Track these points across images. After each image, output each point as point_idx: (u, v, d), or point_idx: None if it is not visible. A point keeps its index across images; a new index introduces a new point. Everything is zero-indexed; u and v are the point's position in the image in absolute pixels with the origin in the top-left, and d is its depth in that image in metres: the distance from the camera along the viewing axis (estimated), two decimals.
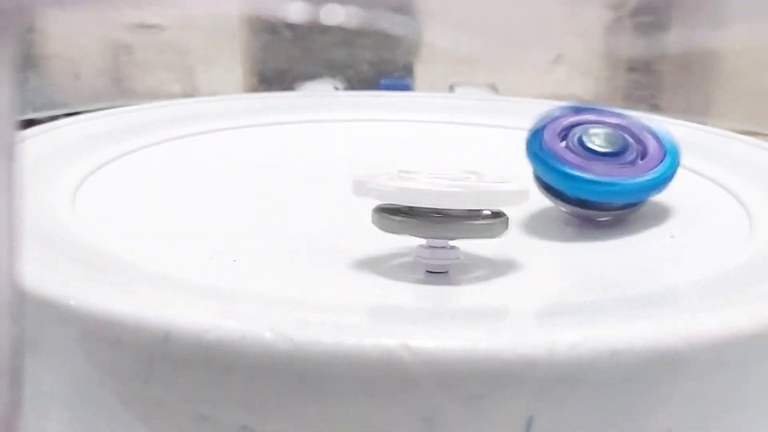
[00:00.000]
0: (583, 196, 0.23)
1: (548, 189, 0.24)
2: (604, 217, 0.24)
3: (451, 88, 0.44)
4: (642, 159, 0.24)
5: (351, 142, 0.33)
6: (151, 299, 0.17)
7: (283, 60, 0.45)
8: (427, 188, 0.20)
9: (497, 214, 0.21)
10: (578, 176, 0.23)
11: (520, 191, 0.21)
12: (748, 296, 0.19)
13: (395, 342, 0.15)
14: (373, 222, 0.21)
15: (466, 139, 0.34)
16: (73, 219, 0.23)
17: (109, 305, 0.16)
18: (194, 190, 0.27)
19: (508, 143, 0.33)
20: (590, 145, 0.23)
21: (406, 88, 0.44)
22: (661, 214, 0.26)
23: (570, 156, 0.23)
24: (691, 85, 0.46)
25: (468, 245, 0.21)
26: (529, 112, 0.36)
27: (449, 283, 0.21)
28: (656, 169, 0.23)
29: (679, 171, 0.29)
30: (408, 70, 0.45)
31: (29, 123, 0.32)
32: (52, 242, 0.20)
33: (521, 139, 0.34)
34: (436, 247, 0.21)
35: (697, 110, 0.45)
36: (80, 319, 0.16)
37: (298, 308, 0.18)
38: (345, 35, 0.43)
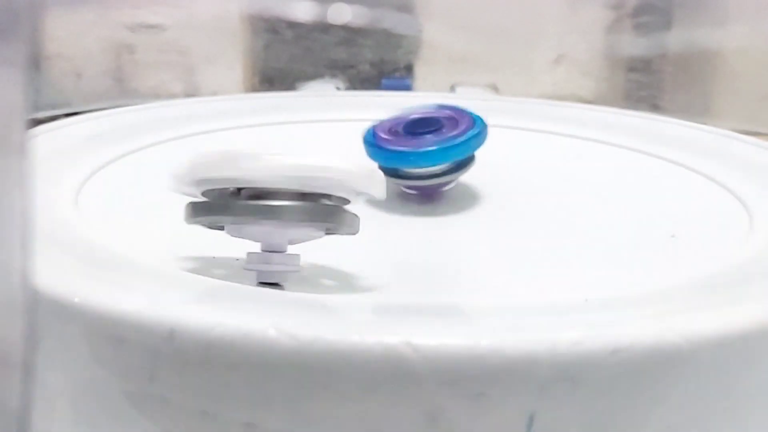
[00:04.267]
0: (409, 165, 0.27)
1: (389, 173, 0.27)
2: (441, 185, 0.28)
3: (452, 88, 0.44)
4: (456, 129, 0.27)
5: (352, 142, 0.33)
6: (155, 297, 0.17)
7: (284, 60, 0.45)
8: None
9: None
10: (391, 150, 0.27)
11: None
12: (749, 295, 0.19)
13: (398, 339, 0.15)
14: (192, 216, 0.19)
15: None
16: (76, 217, 0.23)
17: (113, 303, 0.16)
18: None
19: (509, 143, 0.33)
20: (410, 131, 0.28)
21: (407, 88, 0.44)
22: (661, 214, 0.27)
23: (392, 141, 0.27)
24: (691, 85, 0.46)
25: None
26: (529, 112, 0.36)
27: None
28: (462, 134, 0.27)
29: (680, 170, 0.29)
30: (409, 70, 0.45)
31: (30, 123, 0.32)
32: (56, 241, 0.20)
33: (521, 139, 0.34)
34: (271, 252, 0.19)
35: (697, 110, 0.45)
36: (85, 316, 0.17)
37: (301, 306, 0.18)
38: (346, 35, 0.43)
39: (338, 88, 0.44)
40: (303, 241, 0.20)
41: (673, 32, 0.44)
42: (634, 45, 0.45)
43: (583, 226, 0.26)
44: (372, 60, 0.44)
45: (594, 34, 0.45)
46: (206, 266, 0.21)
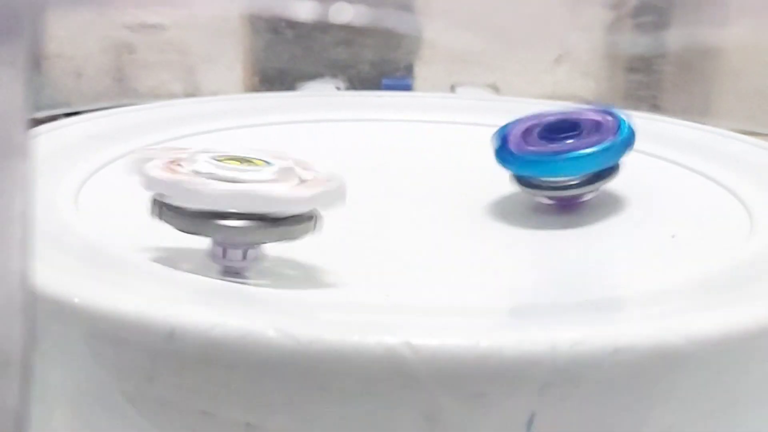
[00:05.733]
0: (543, 173, 0.25)
1: (520, 181, 0.25)
2: (581, 195, 0.25)
3: (453, 88, 0.44)
4: (595, 135, 0.25)
5: (352, 142, 0.33)
6: (155, 297, 0.17)
7: (284, 60, 0.45)
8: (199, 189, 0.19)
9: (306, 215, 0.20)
10: (525, 157, 0.24)
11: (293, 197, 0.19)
12: (749, 295, 0.19)
13: (397, 340, 0.15)
14: (152, 213, 0.20)
15: (467, 139, 0.34)
16: (76, 218, 0.23)
17: (113, 303, 0.16)
18: None
19: None
20: (545, 135, 0.25)
21: (407, 88, 0.44)
22: (662, 214, 0.27)
23: (528, 146, 0.25)
24: (691, 85, 0.46)
25: None
26: (530, 113, 0.36)
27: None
28: (608, 139, 0.24)
29: (681, 171, 0.29)
30: (409, 70, 0.45)
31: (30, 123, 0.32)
32: (55, 241, 0.20)
33: None
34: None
35: (697, 110, 0.45)
36: (84, 317, 0.17)
37: (300, 306, 0.18)
38: (347, 35, 0.43)
39: (338, 88, 0.44)
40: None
41: (673, 32, 0.44)
42: (635, 45, 0.45)
43: (583, 226, 0.26)
44: (372, 60, 0.44)
45: (594, 33, 0.45)
46: (206, 267, 0.21)
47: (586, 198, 0.26)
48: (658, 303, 0.19)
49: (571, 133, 0.24)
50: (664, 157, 0.31)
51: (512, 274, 0.23)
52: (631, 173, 0.30)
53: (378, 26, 0.40)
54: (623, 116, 0.25)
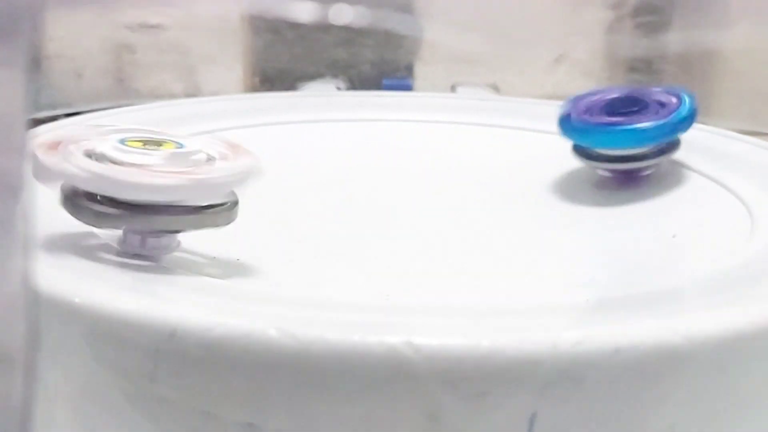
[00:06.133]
0: (607, 144, 0.26)
1: (582, 153, 0.26)
2: (641, 169, 0.26)
3: (453, 88, 0.44)
4: (658, 112, 0.26)
5: (353, 142, 0.33)
6: (156, 297, 0.17)
7: (285, 60, 0.45)
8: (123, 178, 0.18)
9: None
10: (586, 128, 0.25)
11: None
12: (750, 295, 0.19)
13: (399, 339, 0.15)
14: (63, 205, 0.19)
15: (468, 139, 0.34)
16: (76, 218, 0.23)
17: (114, 303, 0.16)
18: None
19: (510, 143, 0.33)
20: (610, 110, 0.26)
21: (407, 88, 0.44)
22: (662, 214, 0.27)
23: (593, 118, 0.26)
24: (691, 85, 0.46)
25: None
26: (530, 113, 0.36)
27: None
28: (673, 114, 0.25)
29: (681, 171, 0.29)
30: (409, 70, 0.45)
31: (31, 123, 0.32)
32: (56, 241, 0.20)
33: (522, 139, 0.34)
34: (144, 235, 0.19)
35: (698, 110, 0.45)
36: (85, 316, 0.17)
37: (302, 306, 0.18)
38: (347, 35, 0.43)
39: (339, 88, 0.44)
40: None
41: (673, 32, 0.44)
42: (635, 45, 0.45)
43: (584, 226, 0.26)
44: (373, 60, 0.44)
45: (594, 34, 0.45)
46: (206, 266, 0.21)
47: (644, 173, 0.26)
48: (659, 303, 0.19)
49: (634, 109, 0.25)
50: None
51: (513, 274, 0.23)
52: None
53: (378, 27, 0.40)
54: (687, 95, 0.26)
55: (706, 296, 0.19)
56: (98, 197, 0.19)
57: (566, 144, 0.32)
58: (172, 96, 0.44)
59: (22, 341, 0.11)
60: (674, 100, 0.26)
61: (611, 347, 0.15)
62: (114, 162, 0.19)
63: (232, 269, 0.21)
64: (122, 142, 0.20)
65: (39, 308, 0.14)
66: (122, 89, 0.44)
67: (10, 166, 0.11)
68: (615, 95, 0.26)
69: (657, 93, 0.26)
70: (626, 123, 0.25)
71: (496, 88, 0.44)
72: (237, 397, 0.16)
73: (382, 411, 0.15)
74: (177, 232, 0.20)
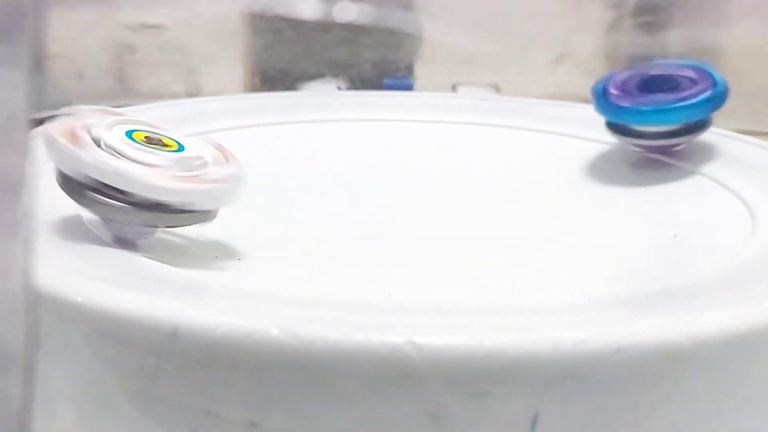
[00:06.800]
0: (639, 122, 0.27)
1: (618, 130, 0.28)
2: (675, 144, 0.28)
3: (454, 88, 0.44)
4: (690, 90, 0.27)
5: (353, 142, 0.33)
6: (157, 297, 0.17)
7: (285, 60, 0.45)
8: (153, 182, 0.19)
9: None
10: (629, 107, 0.27)
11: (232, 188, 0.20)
12: (752, 294, 0.19)
13: (401, 339, 0.15)
14: (59, 184, 0.20)
15: (469, 138, 0.34)
16: (78, 217, 0.23)
17: (115, 302, 0.16)
18: None
19: (511, 143, 0.33)
20: (643, 88, 0.27)
21: (408, 88, 0.44)
22: (663, 214, 0.27)
23: (623, 96, 0.27)
24: None
25: None
26: (531, 112, 0.36)
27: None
28: (704, 93, 0.27)
29: (681, 171, 0.29)
30: (410, 70, 0.45)
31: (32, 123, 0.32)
32: (57, 240, 0.20)
33: (523, 138, 0.34)
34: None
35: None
36: (87, 316, 0.17)
37: (304, 305, 0.18)
38: (347, 35, 0.43)
39: (339, 88, 0.44)
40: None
41: (673, 31, 0.44)
42: (635, 44, 0.45)
43: (585, 226, 0.26)
44: (373, 60, 0.44)
45: (595, 33, 0.45)
46: (207, 266, 0.21)
47: (677, 148, 0.28)
48: (661, 302, 0.19)
49: (666, 87, 0.27)
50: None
51: (514, 274, 0.23)
52: (632, 173, 0.30)
53: (379, 26, 0.40)
54: (717, 74, 0.27)
55: (708, 295, 0.19)
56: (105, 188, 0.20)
57: (566, 144, 0.32)
58: (173, 96, 0.44)
59: (23, 340, 0.11)
60: (705, 76, 0.27)
61: (613, 346, 0.15)
62: (126, 157, 0.20)
63: (232, 269, 0.21)
64: (129, 135, 0.21)
65: (40, 307, 0.14)
66: (123, 89, 0.44)
67: (12, 165, 0.11)
68: (647, 73, 0.27)
69: (686, 69, 0.27)
70: (670, 101, 0.26)
71: (496, 88, 0.44)
72: (239, 396, 0.16)
73: (384, 410, 0.15)
74: (171, 227, 0.21)
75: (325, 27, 0.42)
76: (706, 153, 0.30)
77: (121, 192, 0.20)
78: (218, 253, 0.22)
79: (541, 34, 0.45)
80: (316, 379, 0.15)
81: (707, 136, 0.33)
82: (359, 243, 0.24)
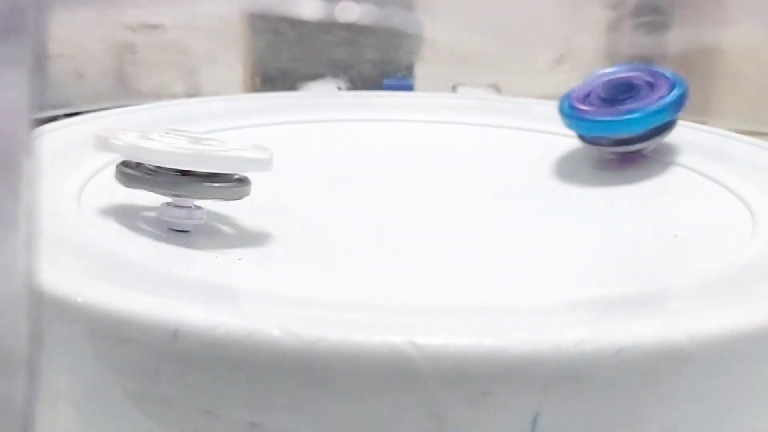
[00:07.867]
0: (618, 132, 0.28)
1: (586, 140, 0.29)
2: (644, 149, 0.29)
3: (454, 88, 0.44)
4: (651, 94, 0.28)
5: (354, 142, 0.33)
6: (158, 297, 0.17)
7: (285, 60, 0.45)
8: (165, 149, 0.22)
9: (240, 179, 0.23)
10: (592, 120, 0.28)
11: (258, 159, 0.23)
12: (752, 294, 0.19)
13: (402, 339, 0.15)
14: (116, 177, 0.23)
15: (469, 139, 0.34)
16: (78, 218, 0.23)
17: (116, 303, 0.16)
18: None
19: (511, 143, 0.33)
20: (604, 96, 0.28)
21: (408, 88, 0.44)
22: (664, 214, 0.27)
23: (591, 110, 0.28)
24: (692, 85, 0.46)
25: None
26: (531, 113, 0.36)
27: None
28: (666, 97, 0.27)
29: (682, 171, 0.29)
30: (410, 70, 0.45)
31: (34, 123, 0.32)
32: (58, 241, 0.20)
33: (523, 138, 0.34)
34: (179, 206, 0.22)
35: (698, 110, 0.45)
36: (88, 316, 0.17)
37: (305, 305, 0.18)
38: (348, 35, 0.43)
39: (340, 89, 0.44)
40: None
41: (673, 32, 0.44)
42: (635, 45, 0.45)
43: (585, 226, 0.26)
44: (373, 60, 0.44)
45: (595, 33, 0.45)
46: (208, 265, 0.21)
47: (646, 151, 0.29)
48: (661, 302, 0.19)
49: (628, 94, 0.27)
50: (665, 158, 0.31)
51: (515, 274, 0.23)
52: (632, 174, 0.30)
53: (379, 26, 0.40)
54: (672, 75, 0.28)
55: (709, 296, 0.19)
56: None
57: (566, 144, 0.32)
58: (173, 96, 0.44)
59: (24, 341, 0.11)
60: (660, 78, 0.28)
61: (614, 347, 0.15)
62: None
63: (232, 269, 0.21)
64: (168, 134, 0.23)
65: (42, 308, 0.14)
66: (123, 89, 0.44)
67: (14, 165, 0.11)
68: (605, 81, 0.28)
69: (641, 73, 0.28)
70: (627, 110, 0.27)
71: (497, 88, 0.44)
72: (239, 396, 0.16)
73: (385, 410, 0.15)
74: (203, 198, 0.23)
75: (325, 27, 0.42)
76: (707, 153, 0.30)
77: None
78: (218, 252, 0.22)
79: (541, 35, 0.45)
80: (317, 379, 0.15)
81: (707, 136, 0.33)
82: (359, 243, 0.24)
